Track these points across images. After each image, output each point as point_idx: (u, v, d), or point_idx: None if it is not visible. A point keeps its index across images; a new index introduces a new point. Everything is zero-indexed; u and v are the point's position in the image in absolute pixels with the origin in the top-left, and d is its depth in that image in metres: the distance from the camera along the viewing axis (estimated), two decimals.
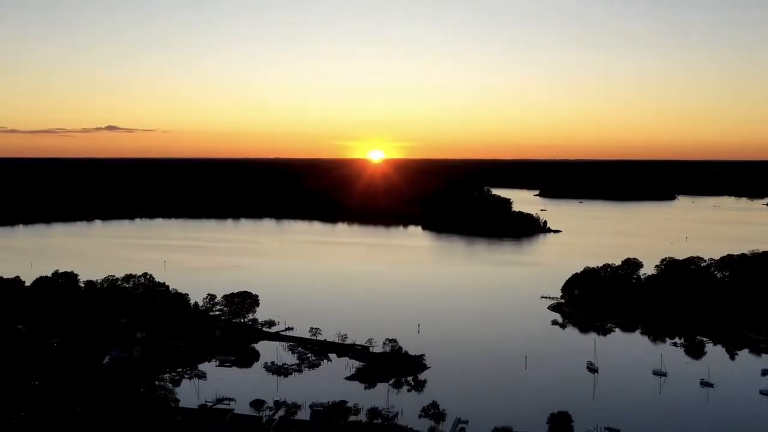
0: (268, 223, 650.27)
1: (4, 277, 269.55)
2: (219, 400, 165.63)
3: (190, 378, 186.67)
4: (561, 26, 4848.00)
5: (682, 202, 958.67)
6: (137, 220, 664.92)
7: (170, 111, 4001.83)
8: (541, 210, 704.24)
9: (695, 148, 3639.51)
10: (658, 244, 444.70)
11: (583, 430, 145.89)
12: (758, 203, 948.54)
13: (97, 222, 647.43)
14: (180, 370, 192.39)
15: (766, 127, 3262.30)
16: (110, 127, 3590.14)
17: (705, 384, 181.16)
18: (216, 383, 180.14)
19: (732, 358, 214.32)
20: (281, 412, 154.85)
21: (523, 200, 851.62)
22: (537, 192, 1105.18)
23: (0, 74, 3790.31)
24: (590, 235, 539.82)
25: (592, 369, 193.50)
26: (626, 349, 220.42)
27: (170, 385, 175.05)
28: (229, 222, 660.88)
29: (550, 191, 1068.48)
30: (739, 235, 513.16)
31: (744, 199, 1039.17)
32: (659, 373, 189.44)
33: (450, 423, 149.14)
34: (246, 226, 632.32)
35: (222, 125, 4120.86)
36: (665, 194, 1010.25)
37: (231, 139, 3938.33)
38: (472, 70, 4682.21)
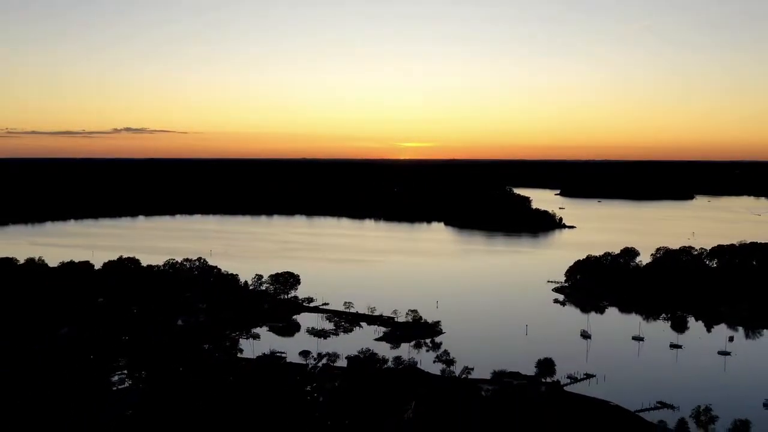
0: (299, 219, 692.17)
1: (76, 261, 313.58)
2: (272, 353, 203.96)
3: (246, 338, 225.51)
4: (580, 27, 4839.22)
5: (699, 201, 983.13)
6: (177, 216, 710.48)
7: (188, 113, 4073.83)
8: (560, 208, 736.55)
9: (716, 149, 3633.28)
10: (663, 239, 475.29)
11: (565, 374, 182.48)
12: None
13: (141, 217, 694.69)
14: (237, 333, 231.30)
15: None
16: (128, 129, 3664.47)
17: (674, 346, 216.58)
18: (268, 342, 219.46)
19: (709, 330, 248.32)
20: (324, 361, 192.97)
21: (544, 199, 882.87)
22: (558, 191, 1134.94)
23: (20, 77, 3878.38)
24: (602, 230, 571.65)
25: (585, 335, 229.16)
26: (616, 322, 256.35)
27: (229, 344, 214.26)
28: (263, 218, 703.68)
29: (570, 191, 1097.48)
30: (746, 231, 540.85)
31: (763, 199, 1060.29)
32: (637, 338, 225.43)
33: (459, 369, 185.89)
34: (279, 221, 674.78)
35: (237, 126, 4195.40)
36: (683, 194, 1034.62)
37: (248, 141, 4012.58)
38: (495, 71, 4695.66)
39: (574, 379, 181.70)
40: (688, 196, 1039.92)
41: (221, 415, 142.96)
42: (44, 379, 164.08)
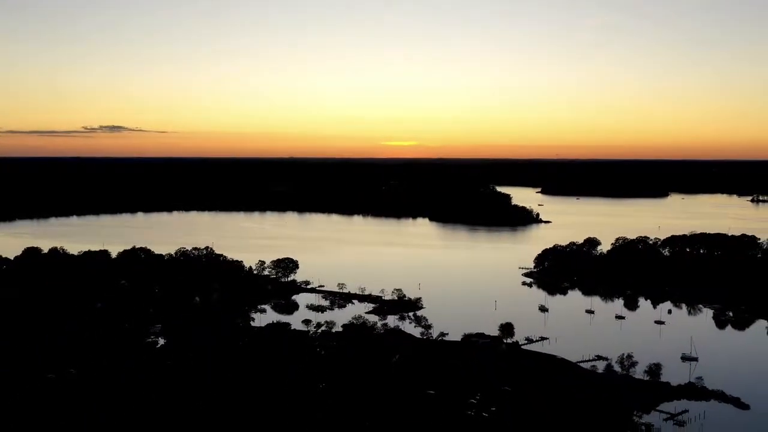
0: (291, 215, 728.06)
1: (93, 249, 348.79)
2: (278, 322, 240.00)
3: (254, 312, 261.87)
4: (560, 27, 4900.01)
5: (673, 199, 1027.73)
6: (175, 213, 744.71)
7: (165, 112, 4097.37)
8: (539, 205, 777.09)
9: (693, 149, 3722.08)
10: (629, 232, 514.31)
11: (523, 336, 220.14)
12: (744, 199, 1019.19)
13: (140, 214, 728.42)
14: (247, 308, 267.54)
15: (754, 127, 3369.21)
16: (102, 127, 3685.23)
17: (619, 317, 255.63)
18: (273, 316, 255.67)
19: (655, 307, 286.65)
20: (323, 327, 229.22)
21: (526, 197, 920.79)
22: (539, 190, 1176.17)
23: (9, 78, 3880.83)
24: (575, 225, 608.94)
25: (543, 309, 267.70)
26: (574, 300, 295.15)
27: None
28: (256, 214, 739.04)
29: (551, 189, 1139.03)
30: (707, 224, 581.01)
31: (735, 196, 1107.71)
32: (589, 311, 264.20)
33: (435, 333, 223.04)
34: (271, 217, 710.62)
35: (215, 126, 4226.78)
36: (658, 192, 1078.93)
37: (228, 140, 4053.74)
38: (480, 72, 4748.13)
39: (530, 340, 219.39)
40: (663, 194, 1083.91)
41: (240, 366, 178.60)
42: (91, 343, 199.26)
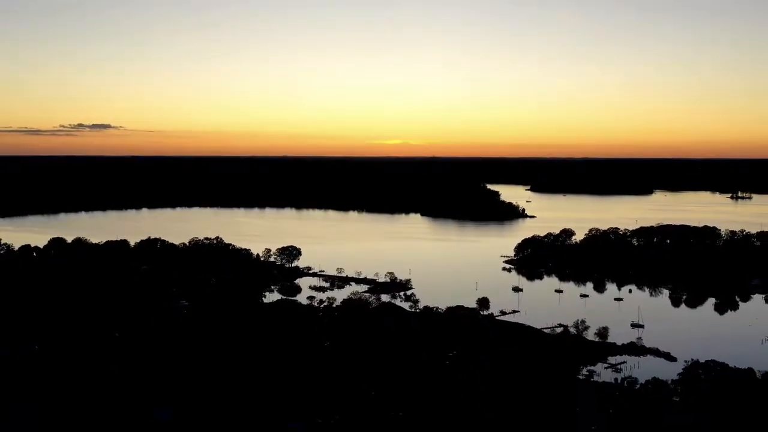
0: (289, 211, 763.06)
1: (113, 239, 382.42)
2: (286, 299, 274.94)
3: (263, 292, 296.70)
4: (550, 29, 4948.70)
5: (657, 196, 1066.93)
6: (178, 209, 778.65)
7: (163, 112, 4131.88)
8: (527, 202, 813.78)
9: (676, 148, 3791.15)
10: (606, 225, 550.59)
11: (498, 310, 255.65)
12: (725, 196, 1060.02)
13: (144, 210, 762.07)
14: (256, 288, 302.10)
15: (737, 127, 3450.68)
16: (80, 125, 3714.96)
17: (583, 296, 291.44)
18: (280, 296, 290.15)
19: (619, 288, 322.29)
20: (325, 303, 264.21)
21: (515, 194, 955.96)
22: (528, 187, 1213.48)
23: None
24: (558, 219, 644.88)
25: (516, 290, 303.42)
26: (547, 282, 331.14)
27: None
28: (256, 210, 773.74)
29: (540, 187, 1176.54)
30: (681, 218, 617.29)
31: (717, 194, 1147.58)
32: (558, 291, 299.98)
33: (422, 307, 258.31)
34: (270, 212, 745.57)
35: (214, 126, 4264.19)
36: (643, 189, 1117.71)
37: (214, 139, 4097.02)
38: (474, 73, 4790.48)
39: (503, 313, 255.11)
40: (647, 191, 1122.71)
41: (255, 335, 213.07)
42: (127, 314, 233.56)
